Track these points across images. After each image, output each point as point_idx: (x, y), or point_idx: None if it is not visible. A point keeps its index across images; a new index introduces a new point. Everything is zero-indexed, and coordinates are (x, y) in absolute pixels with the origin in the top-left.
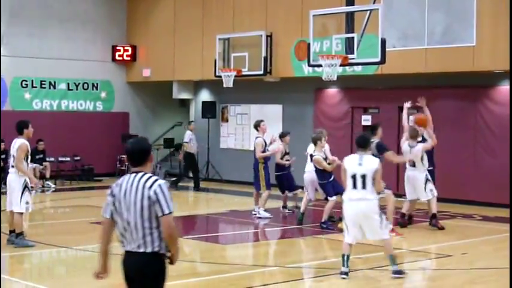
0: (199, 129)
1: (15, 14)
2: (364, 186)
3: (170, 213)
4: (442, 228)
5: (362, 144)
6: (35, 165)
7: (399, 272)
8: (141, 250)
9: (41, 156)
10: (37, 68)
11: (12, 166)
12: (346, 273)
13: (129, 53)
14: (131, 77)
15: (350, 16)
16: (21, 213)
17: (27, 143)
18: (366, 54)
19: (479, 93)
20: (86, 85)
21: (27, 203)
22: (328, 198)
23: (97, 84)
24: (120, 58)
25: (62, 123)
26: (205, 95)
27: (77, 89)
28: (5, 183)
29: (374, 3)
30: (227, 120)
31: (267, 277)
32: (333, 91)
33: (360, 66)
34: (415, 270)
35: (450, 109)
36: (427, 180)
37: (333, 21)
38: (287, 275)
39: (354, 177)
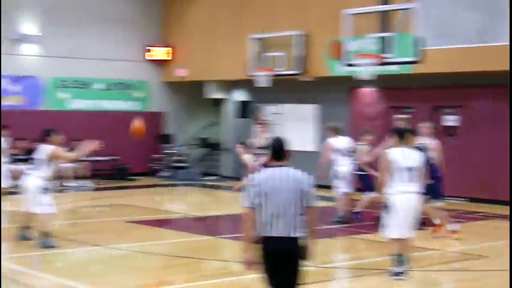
0: (233, 128)
1: (53, 14)
2: (413, 179)
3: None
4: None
5: (403, 137)
6: (71, 164)
7: (399, 274)
8: (292, 235)
9: None
10: (74, 68)
11: (33, 169)
12: (402, 273)
13: (165, 53)
14: (166, 76)
15: (385, 15)
16: (49, 214)
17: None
18: (401, 53)
19: None
20: (121, 85)
21: (50, 205)
22: (365, 192)
23: (133, 84)
24: (156, 58)
25: (99, 123)
26: (239, 95)
27: (113, 89)
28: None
29: (410, 2)
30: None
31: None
32: (368, 90)
33: (395, 66)
34: (451, 271)
35: (486, 109)
36: None
37: (368, 20)
38: (323, 275)
39: (403, 170)
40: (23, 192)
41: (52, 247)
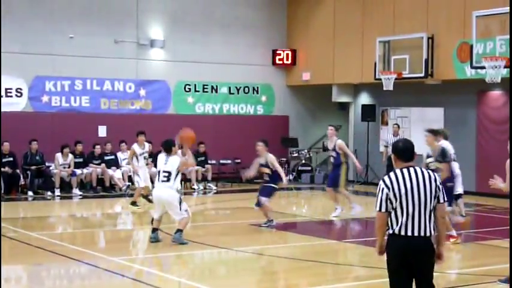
0: (358, 132)
1: (179, 19)
2: None
3: (445, 201)
4: None
5: None
6: (197, 167)
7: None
8: (427, 234)
9: (203, 158)
10: (200, 72)
11: (165, 181)
12: None
13: (290, 57)
14: (291, 80)
15: None
16: (187, 218)
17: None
18: None
19: None
20: (246, 89)
21: (186, 210)
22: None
23: (258, 88)
24: (281, 62)
25: (224, 126)
26: (364, 98)
27: (238, 93)
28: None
29: None
30: (387, 124)
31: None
32: (496, 94)
33: None
34: None
35: None
36: None
37: (496, 22)
38: (450, 281)
39: None
40: (156, 202)
41: (184, 243)
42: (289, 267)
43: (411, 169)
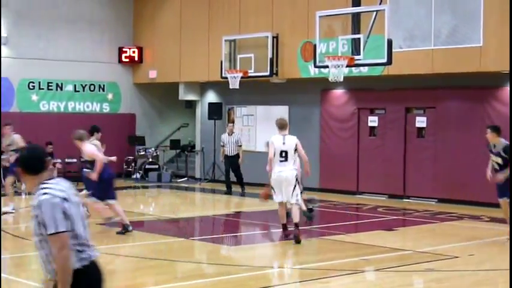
0: (205, 130)
1: (23, 15)
2: None
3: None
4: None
5: None
6: None
7: None
8: None
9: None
10: (44, 69)
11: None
12: None
13: (136, 54)
14: (138, 78)
15: (356, 17)
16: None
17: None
18: (372, 55)
19: (486, 94)
20: (92, 86)
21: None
22: None
23: (104, 85)
24: (127, 60)
25: (69, 124)
26: (211, 97)
27: (83, 91)
28: None
29: (380, 3)
30: (233, 122)
31: (277, 278)
32: (339, 92)
33: (366, 67)
34: (422, 271)
35: (457, 110)
36: None
37: (339, 22)
38: (296, 276)
39: None
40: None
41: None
42: (136, 266)
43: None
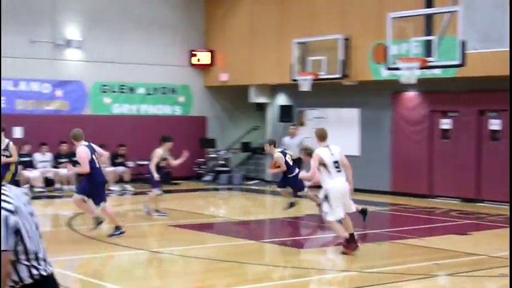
0: (275, 133)
1: (96, 19)
2: None
3: None
4: None
5: None
6: (114, 168)
7: None
8: None
9: (122, 160)
10: (117, 73)
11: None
12: None
13: (208, 57)
14: (209, 81)
15: (429, 18)
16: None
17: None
18: (445, 56)
19: None
20: (164, 89)
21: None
22: None
23: (175, 88)
24: (198, 63)
25: (141, 127)
26: (282, 99)
27: (155, 94)
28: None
29: (453, 4)
30: (302, 124)
31: (346, 282)
32: (411, 94)
33: (439, 69)
34: (495, 277)
35: None
36: None
37: (411, 24)
38: (366, 280)
39: None
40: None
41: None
42: (207, 268)
43: None
